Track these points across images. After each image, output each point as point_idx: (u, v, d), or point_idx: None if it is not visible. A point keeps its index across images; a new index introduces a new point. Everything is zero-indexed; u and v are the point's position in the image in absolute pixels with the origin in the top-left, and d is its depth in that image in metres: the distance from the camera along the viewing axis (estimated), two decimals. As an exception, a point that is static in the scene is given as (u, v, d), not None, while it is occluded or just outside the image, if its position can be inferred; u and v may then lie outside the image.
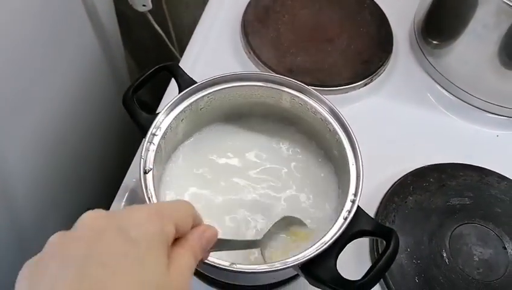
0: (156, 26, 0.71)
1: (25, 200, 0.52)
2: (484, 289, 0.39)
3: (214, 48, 0.56)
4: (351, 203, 0.34)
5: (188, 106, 0.38)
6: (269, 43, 0.55)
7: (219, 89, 0.39)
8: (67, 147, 0.59)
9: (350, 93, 0.54)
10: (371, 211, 0.45)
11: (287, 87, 0.39)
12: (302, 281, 0.33)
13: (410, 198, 0.44)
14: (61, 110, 0.56)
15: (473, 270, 0.40)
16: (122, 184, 0.45)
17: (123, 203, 0.43)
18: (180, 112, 0.38)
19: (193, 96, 0.38)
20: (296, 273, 0.34)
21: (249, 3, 0.58)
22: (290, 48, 0.55)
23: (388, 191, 0.45)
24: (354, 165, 0.36)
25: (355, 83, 0.53)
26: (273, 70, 0.53)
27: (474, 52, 0.50)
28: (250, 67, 0.55)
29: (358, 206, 0.34)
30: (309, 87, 0.39)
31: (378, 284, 0.40)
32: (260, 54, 0.54)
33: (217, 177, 0.40)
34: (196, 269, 0.40)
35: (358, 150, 0.36)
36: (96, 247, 0.21)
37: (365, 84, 0.54)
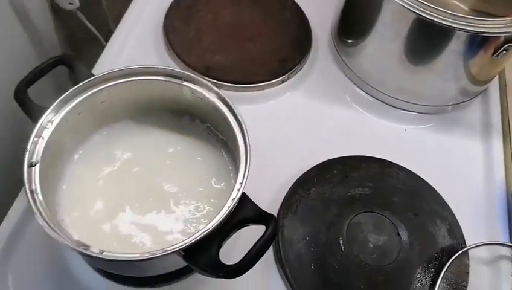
0: (87, 23, 0.71)
1: None
2: (376, 273, 0.41)
3: (136, 46, 0.57)
4: (236, 191, 0.35)
5: (85, 98, 0.38)
6: (189, 41, 0.56)
7: (119, 82, 0.40)
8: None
9: (267, 90, 0.55)
10: (278, 203, 0.46)
11: (185, 80, 0.40)
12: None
13: (314, 189, 0.46)
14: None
15: (367, 256, 0.42)
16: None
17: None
18: (76, 104, 0.38)
19: (91, 89, 0.39)
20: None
21: (173, 1, 0.59)
22: (209, 46, 0.56)
23: (293, 183, 0.46)
24: (244, 156, 0.37)
25: (271, 80, 0.55)
26: (192, 68, 0.54)
27: (379, 52, 0.52)
28: (170, 64, 0.55)
29: (244, 194, 0.35)
30: (201, 79, 0.40)
31: (277, 271, 0.42)
32: (180, 52, 0.55)
33: (118, 175, 0.40)
34: (98, 268, 0.40)
35: (247, 140, 0.37)
36: None
37: (282, 82, 0.56)
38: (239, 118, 0.38)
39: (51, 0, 0.65)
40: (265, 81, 0.55)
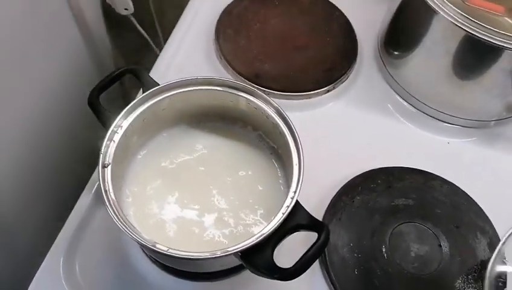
0: (140, 28, 0.74)
1: (7, 194, 0.55)
2: (417, 281, 0.43)
3: (188, 53, 0.60)
4: (290, 199, 0.37)
5: (149, 106, 0.42)
6: (240, 49, 0.59)
7: (180, 92, 0.43)
8: (49, 143, 0.62)
9: (313, 99, 0.57)
10: (322, 209, 0.49)
11: (242, 92, 0.43)
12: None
13: (358, 198, 0.48)
14: (45, 108, 0.59)
15: (409, 265, 0.44)
16: (91, 178, 0.48)
17: (91, 195, 0.47)
18: (142, 112, 0.41)
19: (155, 97, 0.42)
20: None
21: (224, 11, 0.62)
22: (258, 55, 0.59)
23: (338, 191, 0.48)
24: (297, 166, 0.39)
25: (317, 89, 0.57)
26: (242, 76, 0.56)
27: (426, 65, 0.53)
28: (221, 72, 0.58)
29: (297, 202, 0.37)
30: (260, 92, 0.42)
31: (321, 274, 0.45)
32: (230, 60, 0.58)
33: (177, 174, 0.43)
34: (152, 257, 0.44)
35: (301, 151, 0.39)
36: None
37: (328, 91, 0.58)
38: (293, 129, 0.41)
39: (105, 5, 0.69)
40: (311, 90, 0.57)
